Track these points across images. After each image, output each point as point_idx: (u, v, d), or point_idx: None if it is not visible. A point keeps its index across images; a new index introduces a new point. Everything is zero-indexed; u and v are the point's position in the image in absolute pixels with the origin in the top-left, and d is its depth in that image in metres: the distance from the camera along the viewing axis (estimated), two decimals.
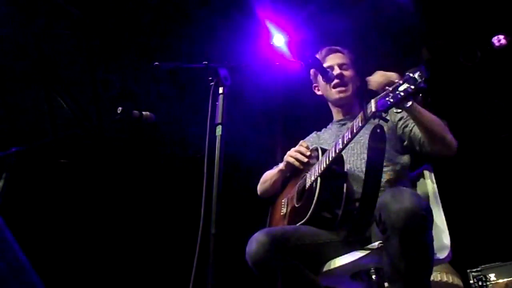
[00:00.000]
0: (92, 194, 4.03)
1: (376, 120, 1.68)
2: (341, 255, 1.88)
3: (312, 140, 2.37)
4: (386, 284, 1.84)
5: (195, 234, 1.58)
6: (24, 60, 3.63)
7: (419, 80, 1.48)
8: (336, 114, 2.34)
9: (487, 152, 4.00)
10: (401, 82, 1.54)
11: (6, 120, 3.65)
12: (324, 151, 2.04)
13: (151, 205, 4.27)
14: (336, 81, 2.18)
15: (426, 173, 2.12)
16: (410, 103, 1.54)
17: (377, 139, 1.75)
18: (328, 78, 2.03)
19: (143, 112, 1.95)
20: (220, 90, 1.72)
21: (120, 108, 1.88)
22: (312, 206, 1.92)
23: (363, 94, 2.20)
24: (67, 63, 3.78)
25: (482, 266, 3.02)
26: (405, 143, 2.04)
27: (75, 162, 3.81)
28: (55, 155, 3.73)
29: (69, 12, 3.47)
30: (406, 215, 1.54)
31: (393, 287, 1.62)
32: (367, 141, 1.99)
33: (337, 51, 2.30)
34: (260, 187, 2.41)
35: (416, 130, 1.96)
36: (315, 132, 2.44)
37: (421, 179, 2.12)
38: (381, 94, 1.61)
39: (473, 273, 3.01)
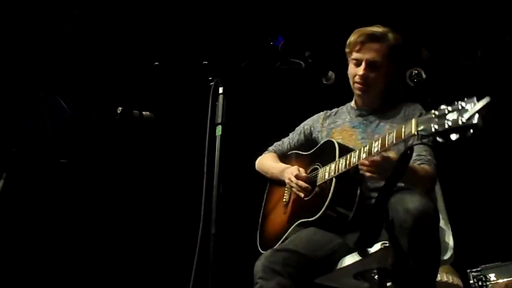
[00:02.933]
0: (91, 194, 4.02)
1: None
2: (343, 256, 1.89)
3: (320, 122, 2.26)
4: (388, 284, 1.84)
5: (195, 234, 1.58)
6: (23, 60, 3.63)
7: (472, 115, 1.24)
8: (355, 101, 2.20)
9: (486, 152, 3.99)
10: (449, 108, 1.33)
11: (5, 120, 3.64)
12: (342, 148, 1.95)
13: (151, 205, 4.27)
14: (357, 80, 2.06)
15: None
16: (457, 136, 1.27)
17: (405, 161, 1.65)
18: (327, 78, 2.03)
19: (143, 112, 1.95)
20: (220, 90, 1.72)
21: (120, 108, 1.89)
22: (324, 207, 1.88)
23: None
24: (67, 63, 3.78)
25: (482, 266, 3.02)
26: None
27: (74, 162, 3.81)
28: (54, 155, 3.73)
29: (69, 12, 3.47)
30: (415, 215, 1.55)
31: (399, 287, 1.62)
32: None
33: (376, 39, 2.02)
34: (258, 168, 2.36)
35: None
36: (324, 112, 2.31)
37: None
38: (425, 116, 1.42)
39: (473, 273, 3.01)
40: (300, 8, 3.63)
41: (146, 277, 4.12)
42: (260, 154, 2.50)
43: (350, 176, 1.89)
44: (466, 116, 1.28)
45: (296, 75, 1.92)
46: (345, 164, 1.85)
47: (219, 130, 1.66)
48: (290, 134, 2.41)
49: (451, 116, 1.32)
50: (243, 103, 3.63)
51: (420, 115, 1.90)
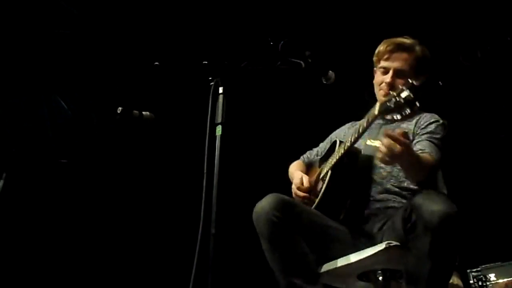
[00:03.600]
0: (92, 194, 4.03)
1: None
2: (345, 246, 1.90)
3: (346, 130, 2.36)
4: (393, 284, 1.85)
5: (195, 234, 1.58)
6: (23, 60, 3.63)
7: (419, 89, 1.55)
8: None
9: (486, 152, 4.00)
10: (404, 88, 1.57)
11: (5, 121, 3.65)
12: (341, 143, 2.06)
13: (151, 205, 4.27)
14: (383, 87, 2.10)
15: (438, 177, 2.11)
16: (408, 110, 1.57)
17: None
18: (328, 78, 2.03)
19: (143, 112, 1.95)
20: (220, 90, 1.72)
21: (120, 108, 1.89)
22: (319, 197, 1.95)
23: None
24: (67, 63, 3.78)
25: (482, 266, 3.02)
26: None
27: (74, 162, 3.81)
28: (54, 155, 3.73)
29: (69, 11, 3.47)
30: (441, 217, 1.54)
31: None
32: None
33: (404, 49, 2.10)
34: (289, 175, 2.46)
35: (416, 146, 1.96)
36: (352, 122, 2.39)
37: (433, 183, 2.12)
38: (386, 98, 1.64)
39: (473, 273, 3.02)
40: (300, 8, 3.63)
41: (146, 277, 4.12)
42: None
43: (345, 166, 1.94)
44: (415, 92, 1.56)
45: (296, 75, 1.92)
46: (337, 155, 1.96)
47: (219, 130, 1.66)
48: (320, 144, 2.49)
49: (404, 94, 1.57)
50: (243, 103, 3.63)
51: (431, 123, 2.03)
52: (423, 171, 1.83)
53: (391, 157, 1.64)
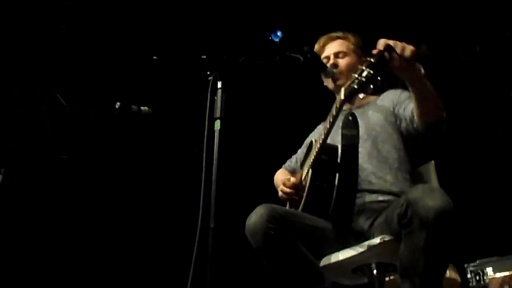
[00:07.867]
0: (90, 189, 4.03)
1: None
2: (337, 245, 1.91)
3: (321, 129, 2.32)
4: (387, 279, 1.86)
5: (194, 228, 1.58)
6: (21, 55, 3.62)
7: (376, 65, 1.60)
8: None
9: (484, 147, 4.00)
10: (363, 68, 1.62)
11: (3, 116, 3.64)
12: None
13: (150, 200, 4.27)
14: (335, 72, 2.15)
15: (429, 169, 2.12)
16: (371, 87, 1.61)
17: (349, 126, 1.85)
18: (327, 73, 2.03)
19: (141, 107, 1.95)
20: (219, 84, 1.72)
21: (118, 103, 1.89)
22: (304, 196, 1.96)
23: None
24: (65, 58, 3.77)
25: (480, 260, 3.03)
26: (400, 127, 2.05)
27: (73, 157, 3.81)
28: (53, 151, 3.73)
29: (66, 6, 3.46)
30: (437, 213, 1.54)
31: (406, 282, 1.63)
32: (363, 132, 2.02)
33: (337, 38, 2.23)
34: (275, 184, 2.47)
35: (408, 107, 1.96)
36: (322, 123, 2.40)
37: (424, 176, 2.13)
38: (349, 82, 1.69)
39: (470, 268, 3.02)
40: (299, 2, 3.63)
41: (145, 272, 4.13)
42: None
43: (324, 163, 1.94)
44: (374, 68, 1.59)
45: (294, 69, 1.93)
46: (314, 152, 1.97)
47: (217, 124, 1.66)
48: (298, 151, 2.49)
49: (365, 72, 1.60)
50: (242, 98, 3.62)
51: (403, 92, 2.07)
52: (439, 101, 1.85)
53: (408, 58, 1.66)
